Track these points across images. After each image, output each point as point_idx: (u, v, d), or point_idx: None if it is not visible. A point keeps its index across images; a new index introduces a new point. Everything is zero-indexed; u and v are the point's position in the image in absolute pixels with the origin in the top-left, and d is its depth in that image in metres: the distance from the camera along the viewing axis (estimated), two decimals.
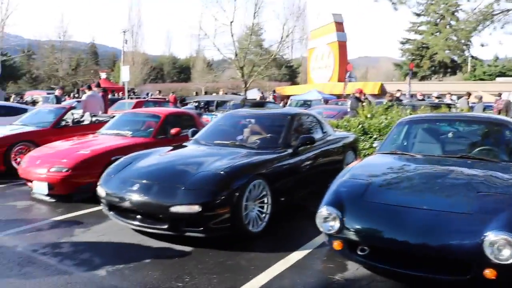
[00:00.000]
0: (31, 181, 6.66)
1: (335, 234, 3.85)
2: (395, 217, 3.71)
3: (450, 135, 5.61)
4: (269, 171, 5.15)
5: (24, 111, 12.60)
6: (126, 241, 4.77)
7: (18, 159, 8.63)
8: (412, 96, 19.74)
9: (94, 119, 10.35)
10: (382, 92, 42.20)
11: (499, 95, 17.24)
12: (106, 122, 10.16)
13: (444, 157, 5.02)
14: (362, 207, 3.89)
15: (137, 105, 15.59)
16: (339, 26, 47.52)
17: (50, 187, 6.33)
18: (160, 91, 22.92)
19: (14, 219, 5.66)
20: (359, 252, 3.79)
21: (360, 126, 10.08)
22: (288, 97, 33.00)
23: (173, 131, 7.56)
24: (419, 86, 39.93)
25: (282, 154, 5.59)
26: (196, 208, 4.37)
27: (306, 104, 27.16)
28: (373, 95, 38.94)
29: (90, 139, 7.45)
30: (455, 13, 56.21)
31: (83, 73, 47.52)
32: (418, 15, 59.38)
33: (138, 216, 4.75)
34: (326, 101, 30.23)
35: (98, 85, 12.83)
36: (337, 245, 3.92)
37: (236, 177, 4.70)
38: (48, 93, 26.05)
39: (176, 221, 4.47)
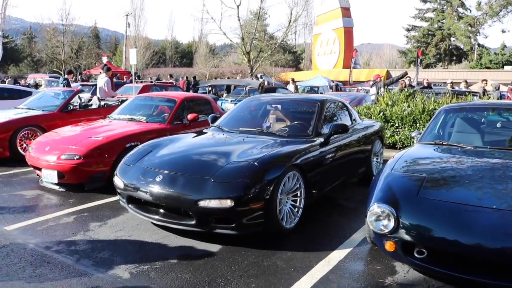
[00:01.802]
0: (39, 169, 6.22)
1: (388, 234, 3.41)
2: (460, 217, 3.27)
3: (498, 125, 5.15)
4: (303, 162, 4.70)
5: (28, 94, 12.14)
6: (147, 238, 4.33)
7: (24, 145, 8.20)
8: (418, 83, 19.17)
9: (102, 103, 9.88)
10: (388, 79, 41.72)
11: None
12: (115, 106, 9.73)
13: (496, 149, 4.57)
14: (420, 204, 3.45)
15: (144, 89, 15.12)
16: (346, 11, 46.78)
17: (61, 175, 5.88)
18: (171, 75, 22.22)
19: (23, 210, 5.23)
20: (416, 255, 3.36)
21: (382, 114, 9.63)
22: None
23: (190, 116, 7.10)
24: (424, 74, 39.28)
25: (314, 143, 5.14)
26: (228, 203, 3.93)
27: (313, 90, 26.69)
28: None
29: (101, 125, 6.98)
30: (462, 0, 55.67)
31: (85, 56, 46.83)
32: (424, 1, 58.72)
33: (161, 211, 4.31)
34: (336, 88, 29.80)
35: (109, 69, 12.28)
36: (389, 246, 3.48)
37: (270, 169, 4.25)
38: (50, 76, 25.56)
39: (205, 217, 4.03)
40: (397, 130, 9.41)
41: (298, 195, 4.64)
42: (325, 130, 5.50)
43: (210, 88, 12.19)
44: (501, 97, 15.41)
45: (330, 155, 5.33)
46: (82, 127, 6.93)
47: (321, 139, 5.27)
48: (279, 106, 6.11)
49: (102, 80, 11.58)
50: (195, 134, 5.61)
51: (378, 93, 11.33)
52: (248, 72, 28.10)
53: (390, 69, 46.09)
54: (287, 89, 15.57)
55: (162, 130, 6.76)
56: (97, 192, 5.94)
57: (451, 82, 17.01)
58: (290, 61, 53.56)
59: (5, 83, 23.11)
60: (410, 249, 3.40)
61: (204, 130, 5.89)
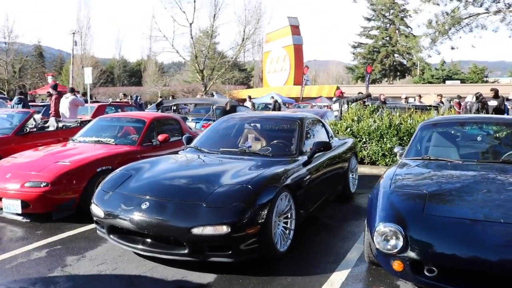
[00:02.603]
0: None
1: (396, 254, 3.29)
2: (469, 233, 3.20)
3: (479, 138, 5.20)
4: (293, 182, 4.53)
5: None
6: (134, 271, 3.99)
7: None
8: (376, 99, 19.61)
9: (60, 124, 9.36)
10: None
11: (459, 97, 17.33)
12: (75, 128, 9.27)
13: (484, 162, 4.60)
14: (427, 222, 3.36)
15: (99, 109, 14.55)
16: (295, 29, 47.64)
17: (25, 205, 5.40)
18: (125, 94, 21.61)
19: None
20: (426, 273, 3.25)
21: (348, 129, 9.65)
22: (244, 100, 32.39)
23: (160, 137, 6.80)
24: (371, 89, 40.38)
25: (299, 162, 5.00)
26: (224, 229, 3.68)
27: (268, 107, 26.74)
28: (330, 98, 39.22)
29: (66, 148, 6.54)
30: (404, 19, 58.12)
31: (30, 76, 44.87)
32: (369, 19, 60.88)
33: (148, 240, 3.99)
34: (275, 105, 30.00)
35: (72, 90, 11.75)
36: (397, 265, 3.35)
37: (264, 191, 4.05)
38: None
39: (198, 245, 3.75)
40: (365, 145, 9.45)
41: (289, 216, 4.46)
42: (306, 148, 5.38)
43: (174, 108, 11.83)
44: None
45: (314, 174, 5.21)
46: (45, 151, 6.46)
47: (305, 158, 5.14)
48: (257, 125, 5.94)
49: (67, 100, 11.11)
50: (174, 156, 5.34)
51: (341, 109, 11.39)
52: (202, 90, 27.82)
53: (339, 85, 47.07)
54: (246, 106, 15.44)
55: (133, 152, 6.42)
56: (67, 221, 5.51)
57: (406, 97, 17.46)
58: (241, 78, 53.72)
59: None
60: (419, 267, 3.29)
61: (182, 152, 5.62)
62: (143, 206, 3.96)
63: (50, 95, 11.89)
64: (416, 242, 3.25)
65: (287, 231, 4.42)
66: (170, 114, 8.04)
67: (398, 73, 61.00)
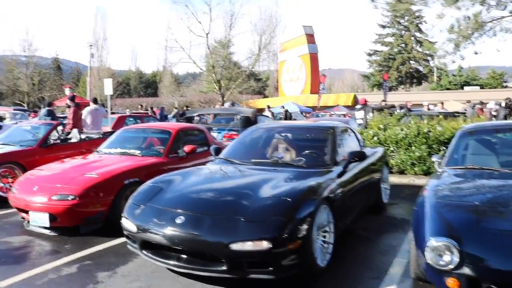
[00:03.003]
0: (26, 212, 5.61)
1: (451, 270, 3.07)
2: None
3: None
4: (331, 194, 4.34)
5: None
6: None
7: (1, 184, 7.54)
8: (401, 107, 19.30)
9: (83, 136, 9.29)
10: (356, 103, 42.21)
11: (481, 103, 16.99)
12: (98, 139, 9.19)
13: None
14: (483, 236, 3.14)
15: (119, 120, 14.53)
16: (310, 38, 47.43)
17: (53, 218, 5.29)
18: (142, 105, 21.49)
19: (15, 261, 4.63)
20: None
21: (375, 138, 9.43)
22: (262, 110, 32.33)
23: (187, 148, 6.65)
24: (388, 97, 40.00)
25: (334, 172, 4.81)
26: (264, 245, 3.50)
27: (291, 117, 26.57)
28: (347, 107, 38.90)
29: (92, 160, 6.43)
30: (419, 25, 57.69)
31: (49, 88, 45.41)
32: (383, 27, 60.51)
33: (183, 256, 3.83)
34: (286, 115, 29.91)
35: (95, 101, 11.77)
36: (452, 283, 3.13)
37: (304, 204, 3.87)
38: (15, 109, 24.47)
39: (237, 261, 3.58)
40: (393, 154, 9.21)
41: (328, 230, 4.26)
42: (340, 157, 5.19)
43: (198, 118, 11.71)
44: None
45: (350, 185, 5.01)
46: (71, 164, 6.36)
47: (340, 168, 4.95)
48: (288, 135, 5.77)
49: (93, 110, 11.14)
50: (205, 168, 5.18)
51: (366, 117, 11.17)
52: (220, 100, 27.81)
53: (355, 93, 46.77)
54: (266, 116, 15.31)
55: (160, 164, 6.28)
56: (95, 235, 5.38)
57: (428, 104, 17.16)
58: (257, 88, 53.76)
59: None
60: (476, 285, 3.07)
61: (212, 163, 5.46)
62: (178, 221, 3.80)
63: (68, 106, 11.91)
64: (472, 258, 3.04)
65: (326, 245, 4.22)
66: (196, 125, 7.92)
67: (415, 80, 60.40)
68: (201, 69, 32.15)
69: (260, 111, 24.67)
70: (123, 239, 5.05)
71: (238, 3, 28.94)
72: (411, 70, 59.19)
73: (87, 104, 12.68)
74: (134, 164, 6.00)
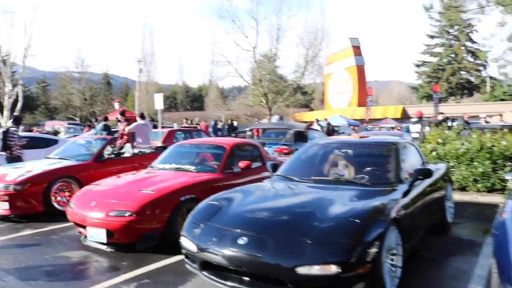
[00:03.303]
0: (83, 227, 5.63)
1: None
2: None
3: None
4: (399, 214, 4.09)
5: (55, 142, 11.74)
6: None
7: (58, 198, 7.66)
8: (453, 119, 18.59)
9: (136, 150, 9.38)
10: (404, 116, 41.22)
11: None
12: (151, 154, 9.26)
13: None
14: None
15: (169, 134, 14.68)
16: (357, 50, 46.91)
17: (110, 234, 5.28)
18: (187, 119, 21.52)
19: (74, 277, 4.62)
20: None
21: (434, 153, 9.02)
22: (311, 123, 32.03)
23: (242, 164, 6.53)
24: (438, 109, 38.77)
25: (400, 191, 4.54)
26: (332, 269, 3.30)
27: (334, 130, 26.15)
28: (396, 119, 38.03)
29: (147, 176, 6.41)
30: (470, 34, 55.90)
31: (100, 102, 47.11)
32: (432, 37, 59.02)
33: (246, 278, 3.67)
34: (329, 129, 29.43)
35: (142, 116, 11.95)
36: None
37: (373, 225, 3.65)
38: (69, 123, 25.36)
39: (303, 286, 3.39)
40: (453, 169, 8.77)
41: (396, 252, 4.00)
42: (404, 175, 4.92)
43: (251, 133, 11.63)
44: None
45: (416, 204, 4.73)
46: (127, 179, 6.36)
47: (405, 186, 4.68)
48: (349, 151, 5.55)
49: (142, 125, 11.28)
50: (264, 186, 5.03)
51: (423, 131, 10.74)
52: (267, 114, 27.81)
53: (403, 105, 45.71)
54: (315, 129, 15.06)
55: (215, 180, 6.18)
56: (151, 252, 5.32)
57: (486, 116, 16.41)
58: (302, 101, 53.53)
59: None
60: None
61: (270, 180, 5.29)
62: (240, 242, 3.66)
63: (119, 121, 12.16)
64: None
65: (395, 269, 3.96)
66: (250, 140, 7.82)
67: (466, 91, 58.42)
68: (248, 82, 32.27)
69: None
70: (179, 257, 4.98)
71: (285, 16, 28.75)
72: (461, 80, 57.29)
73: (130, 118, 12.86)
74: (189, 181, 5.92)
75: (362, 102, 43.37)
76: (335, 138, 7.09)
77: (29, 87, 41.01)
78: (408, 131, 21.96)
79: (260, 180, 6.72)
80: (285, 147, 10.90)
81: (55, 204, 7.59)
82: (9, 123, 9.99)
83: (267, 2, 47.85)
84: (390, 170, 4.94)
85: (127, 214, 5.20)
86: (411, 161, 5.53)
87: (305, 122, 34.69)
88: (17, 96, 21.49)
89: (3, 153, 9.43)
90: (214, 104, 59.09)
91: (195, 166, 6.64)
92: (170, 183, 5.79)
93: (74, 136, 18.78)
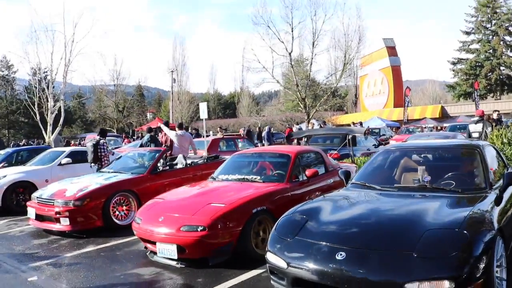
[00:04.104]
0: (151, 242, 5.49)
1: None
2: None
3: None
4: (499, 223, 3.77)
5: None
6: None
7: (117, 212, 7.59)
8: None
9: (189, 161, 9.26)
10: (443, 115, 40.20)
11: None
12: (203, 164, 9.14)
13: None
14: None
15: (213, 143, 14.61)
16: (392, 50, 46.16)
17: (181, 249, 5.11)
18: (221, 127, 21.00)
19: None
20: None
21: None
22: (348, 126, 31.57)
23: (308, 172, 6.29)
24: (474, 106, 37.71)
25: (492, 197, 4.19)
26: (446, 285, 3.05)
27: (374, 132, 25.65)
28: (435, 119, 37.11)
29: (212, 188, 6.23)
30: (509, 28, 54.14)
31: (136, 114, 47.95)
32: (468, 33, 57.43)
33: None
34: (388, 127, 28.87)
35: (180, 126, 11.91)
36: None
37: (481, 236, 3.35)
38: (108, 135, 25.57)
39: None
40: None
41: (500, 264, 3.68)
42: (493, 180, 4.59)
43: (306, 139, 11.36)
44: None
45: (510, 211, 4.38)
46: (191, 192, 6.21)
47: (496, 192, 4.33)
48: (428, 156, 5.24)
49: (181, 136, 11.24)
50: (346, 195, 4.76)
51: (485, 131, 10.24)
52: (304, 119, 27.51)
53: (448, 104, 44.52)
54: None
55: (283, 190, 5.95)
56: (223, 267, 5.12)
57: None
58: (337, 104, 52.98)
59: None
60: None
61: (347, 189, 5.00)
62: (338, 257, 3.41)
63: (161, 131, 12.19)
64: None
65: (500, 282, 3.64)
66: (313, 147, 7.57)
67: (506, 87, 56.57)
68: (285, 88, 32.04)
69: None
70: (255, 272, 4.82)
71: (320, 20, 28.31)
72: (501, 76, 55.49)
73: (173, 128, 12.81)
74: (259, 192, 5.71)
75: (398, 103, 42.58)
76: (409, 142, 6.73)
77: (67, 102, 42.05)
78: (453, 130, 21.35)
79: (327, 188, 6.50)
80: (334, 152, 10.60)
81: (114, 219, 7.51)
82: (97, 136, 10.90)
83: (301, 6, 47.33)
84: (477, 175, 4.62)
85: (199, 228, 5.02)
86: (494, 164, 5.18)
87: (342, 125, 34.24)
88: (59, 111, 21.89)
89: (93, 164, 10.26)
90: (246, 110, 59.13)
91: (260, 176, 6.42)
92: (241, 195, 5.59)
93: (116, 148, 18.93)
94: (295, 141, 14.12)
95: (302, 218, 4.11)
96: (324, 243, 3.62)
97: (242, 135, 17.57)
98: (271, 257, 3.89)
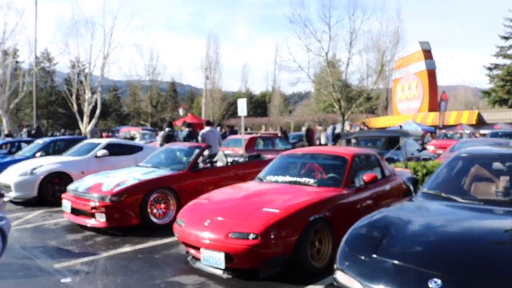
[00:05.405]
0: (194, 247, 5.01)
1: None
2: None
3: None
4: None
5: (139, 149, 11.40)
6: None
7: (154, 210, 7.15)
8: None
9: (230, 159, 8.77)
10: (480, 121, 38.72)
11: None
12: (245, 163, 8.66)
13: None
14: None
15: (251, 141, 14.15)
16: (427, 54, 44.83)
17: (229, 258, 4.61)
18: (266, 125, 20.78)
19: None
20: None
21: None
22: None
23: (366, 177, 5.70)
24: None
25: None
26: None
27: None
28: (471, 125, 35.76)
29: (262, 190, 5.69)
30: None
31: (170, 109, 48.27)
32: (506, 38, 55.38)
33: None
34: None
35: (208, 123, 11.68)
36: None
37: None
38: (143, 129, 25.57)
39: None
40: None
41: None
42: None
43: (355, 141, 10.76)
44: None
45: None
46: (238, 193, 5.69)
47: None
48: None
49: (211, 132, 11.41)
50: (423, 206, 4.17)
51: None
52: (339, 120, 26.79)
53: (485, 110, 42.97)
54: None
55: (340, 196, 5.38)
56: (275, 280, 4.62)
57: None
58: (372, 107, 51.98)
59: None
60: None
61: (419, 199, 4.38)
62: (432, 285, 2.83)
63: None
64: None
65: None
66: (369, 150, 6.97)
67: None
68: (320, 89, 31.36)
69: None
70: None
71: (359, 20, 27.51)
72: None
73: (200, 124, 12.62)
74: (316, 197, 5.14)
75: (433, 108, 41.30)
76: (486, 148, 6.05)
77: (103, 95, 42.53)
78: (494, 136, 20.22)
79: (384, 195, 5.94)
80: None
81: (151, 217, 7.08)
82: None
83: (339, 5, 46.42)
84: None
85: (251, 236, 4.51)
86: None
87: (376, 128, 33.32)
88: (96, 103, 21.89)
89: None
90: (277, 110, 58.49)
91: (313, 179, 5.87)
92: (296, 200, 5.04)
93: (151, 142, 18.67)
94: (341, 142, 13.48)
95: (377, 233, 3.52)
96: (411, 266, 3.04)
97: (279, 134, 17.05)
98: (341, 277, 3.33)
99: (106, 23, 24.62)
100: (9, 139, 16.98)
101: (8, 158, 11.72)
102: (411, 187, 4.73)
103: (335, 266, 3.45)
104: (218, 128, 22.39)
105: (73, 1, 35.41)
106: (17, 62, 30.75)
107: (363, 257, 3.31)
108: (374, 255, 3.28)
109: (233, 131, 19.12)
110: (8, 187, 9.36)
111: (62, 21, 66.68)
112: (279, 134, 17.35)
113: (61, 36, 44.48)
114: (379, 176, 6.29)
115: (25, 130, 20.36)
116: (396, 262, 3.13)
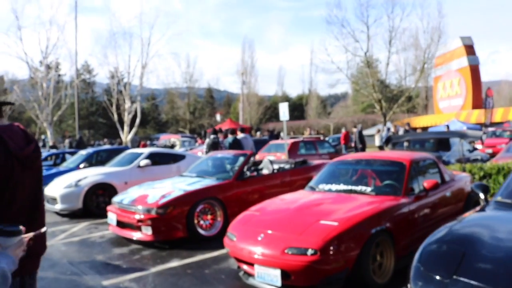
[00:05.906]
0: (247, 263, 4.75)
1: None
2: None
3: None
4: None
5: (182, 158, 11.29)
6: None
7: (201, 222, 6.95)
8: None
9: (276, 166, 8.50)
10: None
11: None
12: (291, 170, 8.38)
13: None
14: None
15: (293, 145, 13.87)
16: (469, 49, 43.19)
17: (286, 275, 4.32)
18: (310, 128, 20.60)
19: None
20: None
21: None
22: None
23: (427, 184, 5.31)
24: None
25: None
26: None
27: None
28: None
29: (316, 200, 5.37)
30: None
31: (208, 115, 48.75)
32: None
33: None
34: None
35: (242, 130, 11.57)
36: None
37: None
38: (183, 136, 25.71)
39: None
40: None
41: None
42: None
43: (407, 144, 10.31)
44: None
45: None
46: (290, 204, 5.38)
47: None
48: None
49: (245, 139, 11.15)
50: (504, 219, 3.77)
51: None
52: (380, 121, 26.19)
53: None
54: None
55: (401, 205, 5.00)
56: None
57: None
58: (414, 106, 50.81)
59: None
60: None
61: (493, 209, 3.99)
62: None
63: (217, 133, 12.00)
64: None
65: None
66: (427, 154, 6.55)
67: None
68: (359, 89, 30.78)
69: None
70: None
71: (398, 17, 26.80)
72: None
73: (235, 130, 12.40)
74: (376, 207, 4.79)
75: (477, 105, 39.71)
76: None
77: (142, 104, 43.27)
78: None
79: (445, 203, 5.57)
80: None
81: (198, 229, 6.88)
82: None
83: (377, 4, 45.41)
84: None
85: (309, 252, 4.21)
86: None
87: (412, 128, 32.34)
88: (135, 112, 22.17)
89: None
90: (315, 112, 57.98)
91: (370, 187, 5.51)
92: (355, 211, 4.70)
93: (191, 149, 18.62)
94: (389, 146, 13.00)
95: (455, 250, 3.14)
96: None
97: (322, 138, 16.71)
98: None
99: (143, 33, 24.95)
100: (54, 150, 17.32)
101: (53, 170, 11.84)
102: (482, 195, 4.32)
103: (409, 286, 3.11)
104: (258, 133, 22.16)
105: (111, 13, 36.20)
106: (59, 75, 31.70)
107: (441, 278, 2.95)
108: (455, 276, 2.90)
109: (273, 136, 18.84)
110: (54, 200, 9.41)
111: (101, 33, 68.44)
112: (321, 138, 17.00)
113: (100, 48, 45.77)
114: (439, 182, 5.86)
115: (67, 141, 20.85)
116: (482, 285, 2.76)
